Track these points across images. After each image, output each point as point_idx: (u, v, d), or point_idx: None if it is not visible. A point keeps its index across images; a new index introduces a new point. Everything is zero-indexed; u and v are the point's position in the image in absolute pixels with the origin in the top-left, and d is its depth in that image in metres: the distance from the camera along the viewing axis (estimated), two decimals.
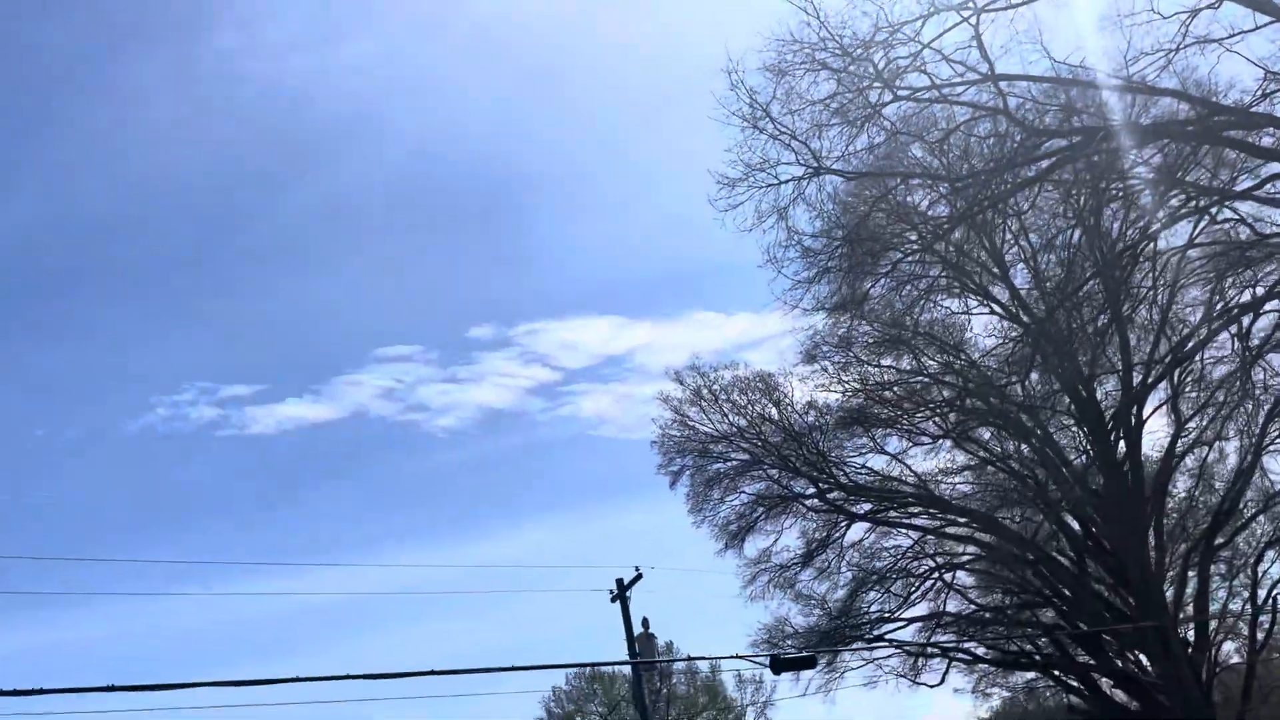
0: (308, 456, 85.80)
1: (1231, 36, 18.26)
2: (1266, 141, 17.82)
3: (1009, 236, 29.29)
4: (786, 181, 19.09)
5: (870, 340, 30.10)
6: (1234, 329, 26.45)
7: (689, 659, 46.45)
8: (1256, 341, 26.58)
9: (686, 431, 33.49)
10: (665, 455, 33.77)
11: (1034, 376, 29.49)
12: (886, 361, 31.05)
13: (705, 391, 33.10)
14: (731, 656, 24.25)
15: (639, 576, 34.05)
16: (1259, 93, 18.42)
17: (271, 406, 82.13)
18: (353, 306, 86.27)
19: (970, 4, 17.68)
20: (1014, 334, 29.79)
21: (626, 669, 43.17)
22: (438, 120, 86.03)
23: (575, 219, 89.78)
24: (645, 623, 33.74)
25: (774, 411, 32.47)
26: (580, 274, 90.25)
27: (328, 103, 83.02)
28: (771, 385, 32.64)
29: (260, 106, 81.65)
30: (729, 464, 33.14)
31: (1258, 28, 18.10)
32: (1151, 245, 24.49)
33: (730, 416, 32.77)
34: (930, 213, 23.94)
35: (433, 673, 14.32)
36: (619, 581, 34.25)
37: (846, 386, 30.95)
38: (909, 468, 32.36)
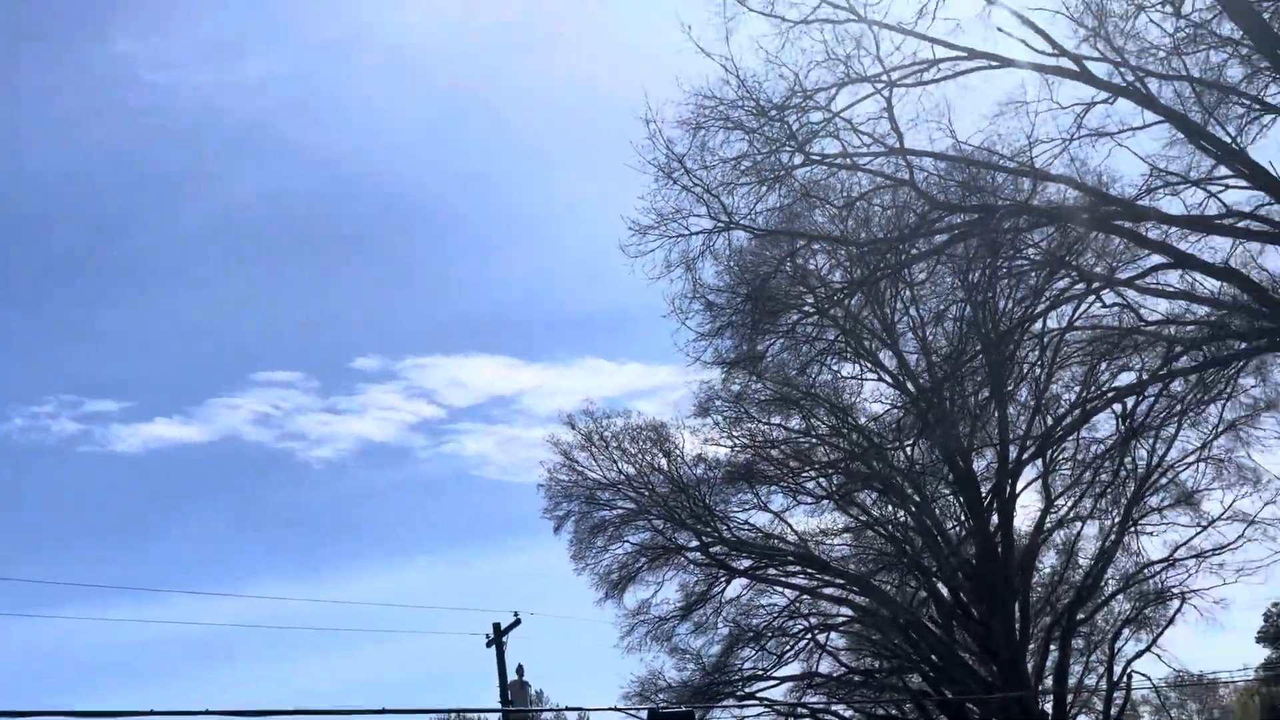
0: (174, 479, 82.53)
1: (1122, 131, 19.35)
2: (1152, 234, 18.81)
3: (901, 305, 30.18)
4: (697, 233, 19.36)
5: (763, 398, 30.53)
6: (1117, 408, 27.65)
7: (563, 709, 45.69)
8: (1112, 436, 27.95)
9: (574, 477, 33.32)
10: (551, 499, 33.52)
11: (917, 445, 30.26)
12: (777, 420, 31.54)
13: (597, 437, 33.04)
14: (607, 709, 23.89)
15: (517, 622, 33.55)
16: (1144, 187, 19.51)
17: (139, 425, 78.88)
18: (234, 326, 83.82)
19: (883, 77, 18.30)
20: (901, 402, 30.60)
21: (497, 716, 42.10)
22: (342, 142, 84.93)
23: (475, 254, 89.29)
24: (520, 670, 33.18)
25: (664, 462, 32.59)
26: (475, 311, 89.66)
27: (228, 116, 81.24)
28: (663, 435, 32.80)
29: (157, 114, 79.38)
30: (615, 512, 33.05)
31: (1146, 125, 19.22)
32: (1040, 324, 25.51)
33: (620, 464, 32.75)
34: (830, 277, 24.54)
35: (298, 712, 13.77)
36: (495, 626, 33.65)
37: (736, 442, 31.33)
38: (791, 526, 32.79)
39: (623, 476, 32.76)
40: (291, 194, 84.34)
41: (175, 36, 77.58)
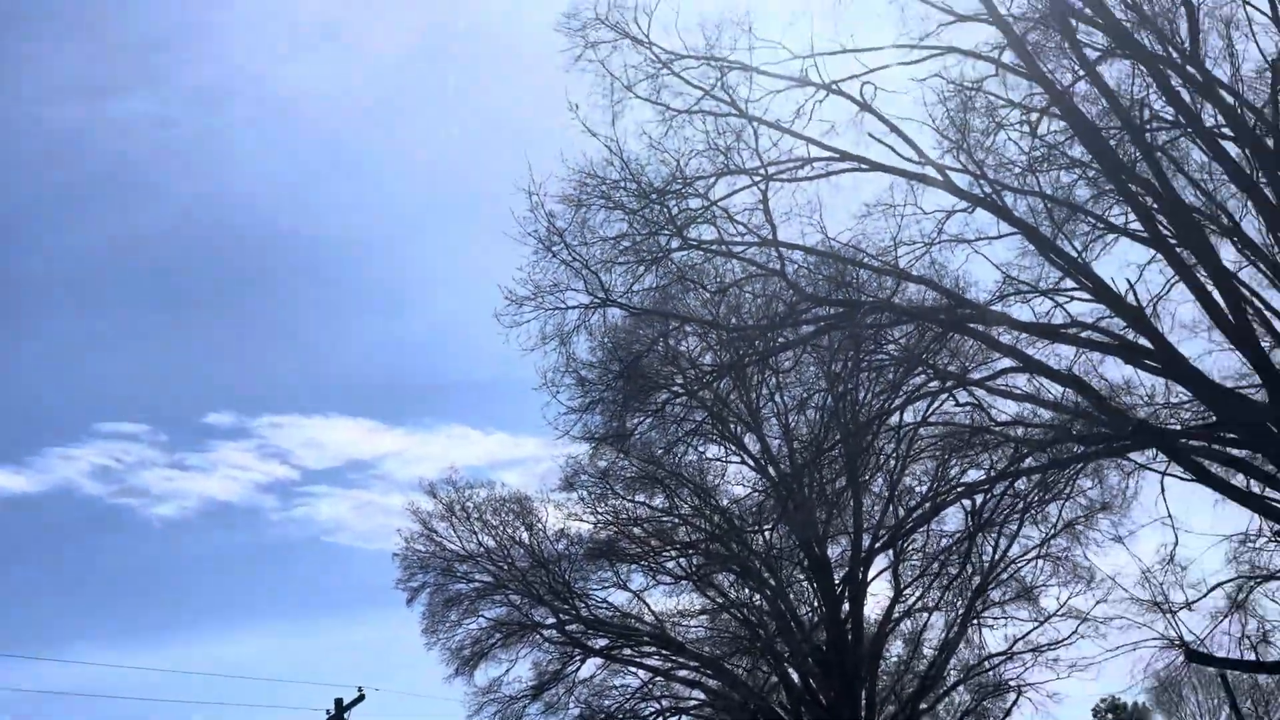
0: None
1: (979, 239, 20.52)
2: (1004, 338, 19.88)
3: (767, 392, 30.92)
4: (573, 308, 19.53)
5: (629, 475, 30.68)
6: (965, 503, 28.72)
7: None
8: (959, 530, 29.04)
9: (432, 547, 32.67)
10: (406, 570, 32.76)
11: (776, 529, 30.77)
12: (642, 498, 31.68)
13: (458, 508, 32.56)
14: None
15: (360, 698, 32.34)
16: (998, 293, 20.65)
17: None
18: (79, 373, 79.80)
19: (760, 171, 19.04)
20: (762, 486, 31.16)
21: None
22: (209, 190, 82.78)
23: (342, 313, 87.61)
24: None
25: (525, 536, 32.31)
26: (339, 371, 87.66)
27: (87, 155, 78.25)
28: (526, 508, 32.55)
29: (16, 150, 75.91)
30: (472, 585, 32.48)
31: (1001, 235, 20.44)
32: (897, 417, 26.43)
33: (480, 536, 32.30)
34: (701, 359, 25.00)
35: None
36: (338, 702, 32.37)
37: (600, 518, 31.29)
38: (649, 607, 32.77)
39: (482, 549, 32.30)
40: (152, 239, 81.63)
41: (38, 71, 74.80)
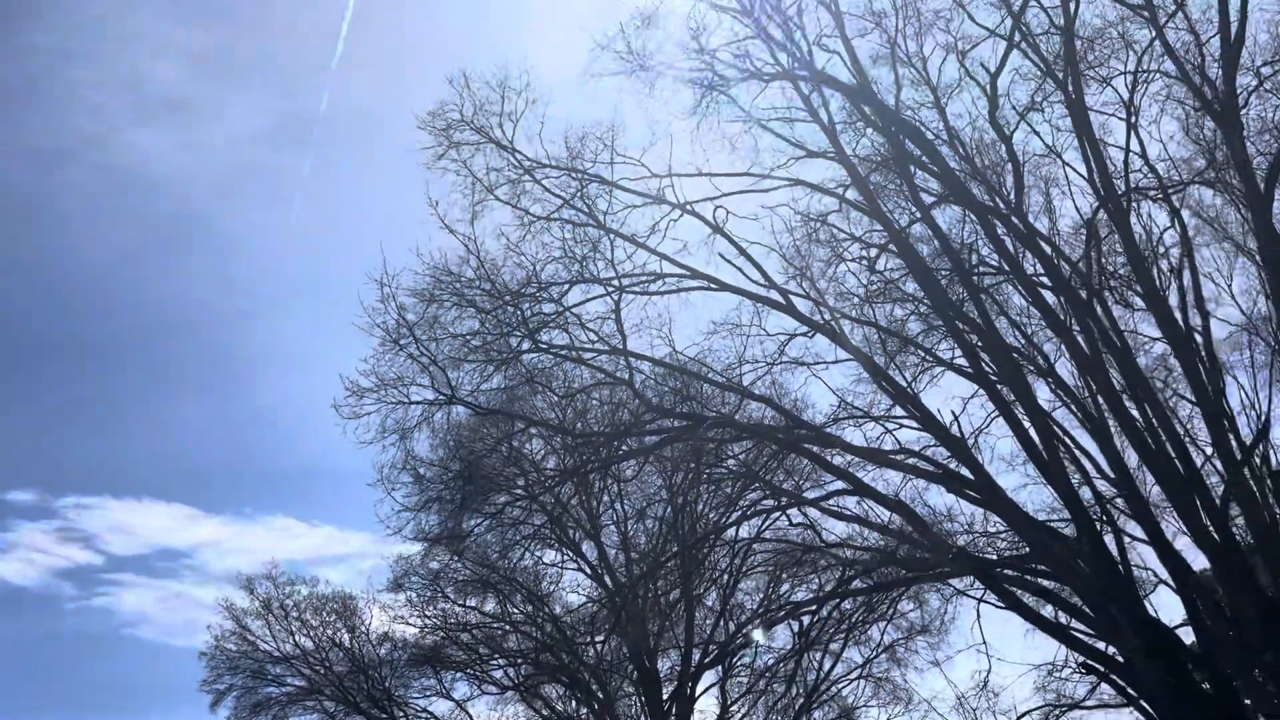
0: None
1: (818, 363, 21.33)
2: (836, 460, 20.57)
3: (608, 499, 30.96)
4: (417, 404, 19.28)
5: (461, 578, 29.97)
6: (793, 622, 29.13)
7: None
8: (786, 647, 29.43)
9: (245, 647, 30.94)
10: (213, 670, 30.91)
11: (608, 640, 30.45)
12: (473, 602, 30.92)
13: (276, 605, 31.05)
14: None
15: None
16: (832, 416, 21.43)
17: None
18: None
19: (614, 282, 19.44)
20: (597, 594, 30.90)
21: None
22: (36, 255, 78.32)
23: (169, 392, 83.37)
24: None
25: (346, 638, 30.99)
26: (157, 452, 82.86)
27: None
28: (350, 609, 31.29)
29: None
30: (284, 689, 30.82)
31: (838, 361, 21.32)
32: (733, 532, 26.82)
33: (298, 636, 30.84)
34: (544, 463, 24.91)
35: None
36: None
37: (428, 621, 30.35)
38: (471, 718, 31.70)
39: (299, 651, 30.82)
40: None
41: None
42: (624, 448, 21.99)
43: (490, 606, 31.23)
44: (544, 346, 19.61)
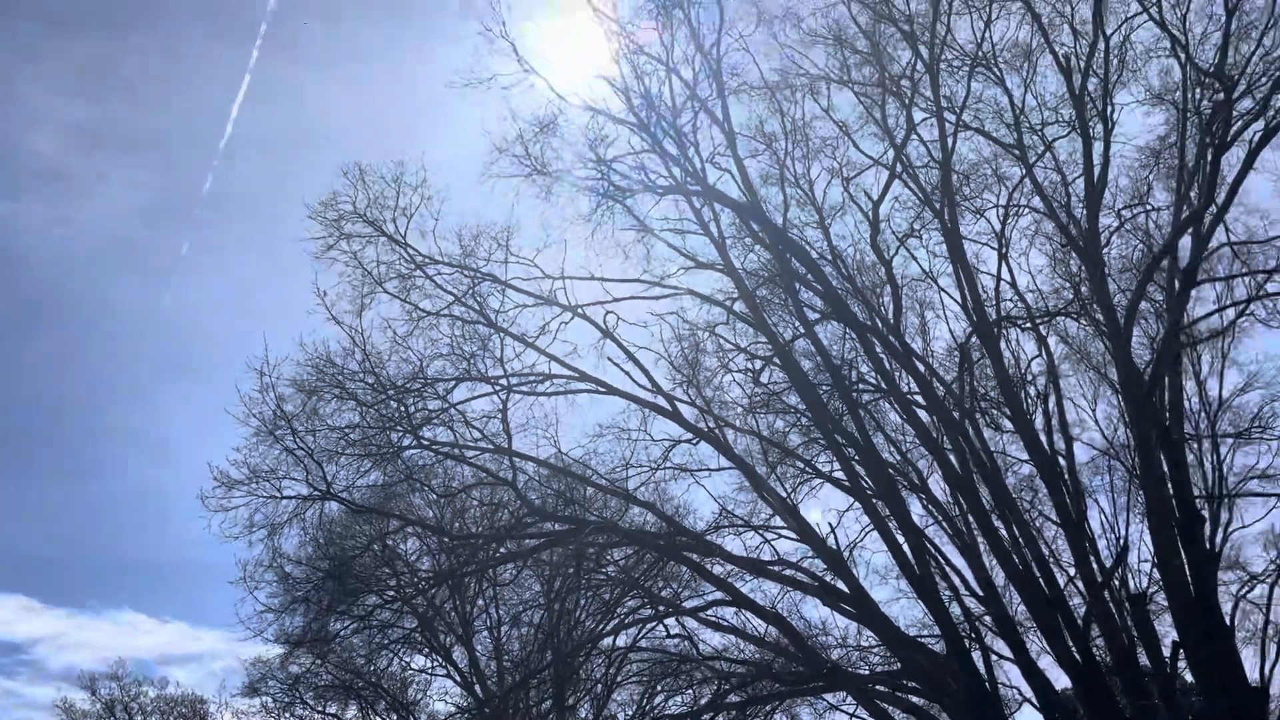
0: None
1: (701, 470, 21.46)
2: (716, 569, 20.57)
3: (483, 604, 30.17)
4: (290, 498, 18.61)
5: (323, 683, 28.63)
6: None
7: None
8: None
9: None
10: None
11: None
12: (334, 709, 29.49)
13: (121, 709, 29.05)
14: None
15: None
16: (714, 524, 21.50)
17: None
18: None
19: (502, 381, 19.33)
20: (467, 703, 29.84)
21: None
22: None
23: (16, 476, 78.51)
24: None
25: None
26: None
27: None
28: (201, 713, 29.50)
29: None
30: None
31: (720, 469, 21.50)
32: (611, 640, 26.36)
33: None
34: (418, 564, 24.23)
35: None
36: None
37: None
38: None
39: None
40: None
41: None
42: (503, 550, 21.59)
43: (351, 715, 29.88)
44: (427, 443, 19.27)
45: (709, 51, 21.65)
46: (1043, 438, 20.57)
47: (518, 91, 20.88)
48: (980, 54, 21.44)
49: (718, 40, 21.65)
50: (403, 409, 18.83)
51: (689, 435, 20.84)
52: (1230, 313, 21.91)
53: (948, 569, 21.45)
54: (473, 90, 20.61)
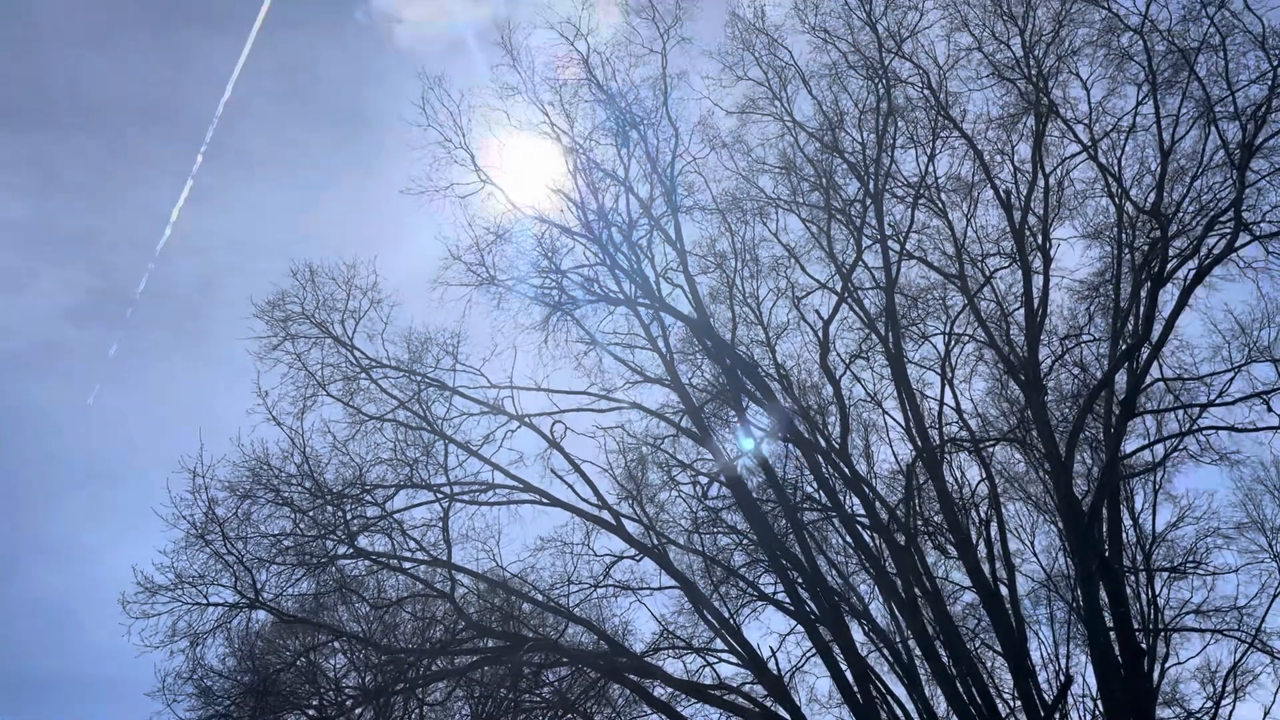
0: None
1: (643, 589, 21.03)
2: (657, 691, 19.96)
3: None
4: (216, 605, 17.73)
5: None
6: None
7: None
8: None
9: None
10: None
11: None
12: None
13: None
14: None
15: None
16: (654, 645, 20.97)
17: None
18: None
19: (445, 489, 18.89)
20: None
21: None
22: None
23: None
24: None
25: None
26: None
27: None
28: None
29: None
30: None
31: (664, 588, 21.09)
32: None
33: None
34: (345, 679, 23.19)
35: None
36: None
37: None
38: None
39: None
40: None
41: None
42: (435, 666, 20.78)
43: None
44: (364, 552, 18.64)
45: (663, 171, 22.13)
46: (985, 566, 20.55)
47: (474, 200, 21.10)
48: (924, 186, 22.15)
49: (671, 161, 22.19)
50: (340, 515, 18.27)
51: (632, 551, 20.50)
52: (1162, 447, 22.35)
53: (889, 698, 21.10)
54: (428, 198, 20.77)
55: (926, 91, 22.08)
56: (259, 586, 17.74)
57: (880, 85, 21.87)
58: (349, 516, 18.33)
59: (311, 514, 18.49)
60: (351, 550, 18.41)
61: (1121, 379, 20.71)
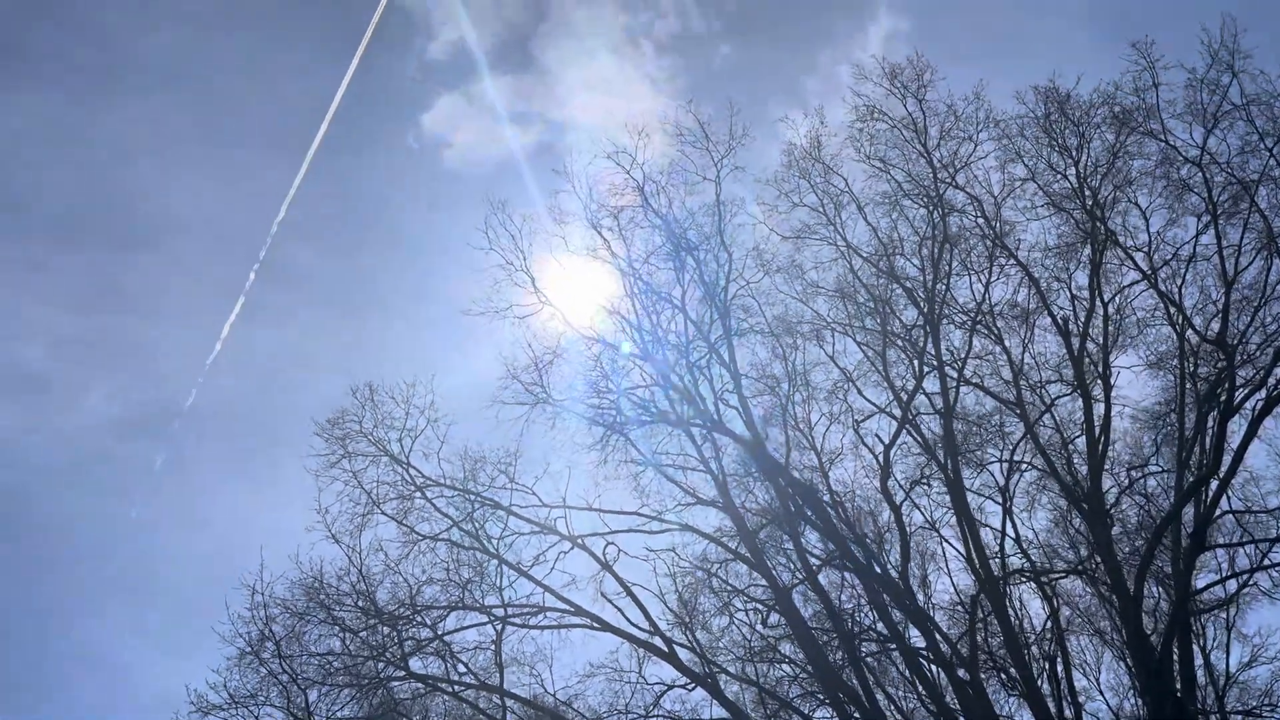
0: None
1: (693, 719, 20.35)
2: None
3: None
4: None
5: None
6: None
7: None
8: None
9: None
10: None
11: None
12: None
13: None
14: None
15: None
16: None
17: None
18: None
19: (497, 611, 18.61)
20: None
21: None
22: None
23: None
24: None
25: None
26: None
27: None
28: None
29: None
30: None
31: None
32: None
33: None
34: None
35: None
36: None
37: None
38: None
39: None
40: None
41: None
42: None
43: None
44: (415, 674, 18.28)
45: (717, 294, 22.26)
46: (1050, 703, 19.78)
47: (532, 320, 21.32)
48: (980, 313, 22.11)
49: (726, 285, 22.32)
50: (393, 636, 17.99)
51: (684, 680, 19.94)
52: (1234, 583, 21.64)
53: None
54: (488, 319, 21.03)
55: (981, 220, 22.25)
56: (310, 707, 17.42)
57: (935, 213, 22.06)
58: (401, 638, 18.04)
59: (363, 634, 18.24)
60: (404, 673, 18.07)
61: (1189, 511, 20.21)
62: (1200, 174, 20.16)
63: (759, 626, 21.04)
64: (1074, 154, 21.63)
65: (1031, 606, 22.38)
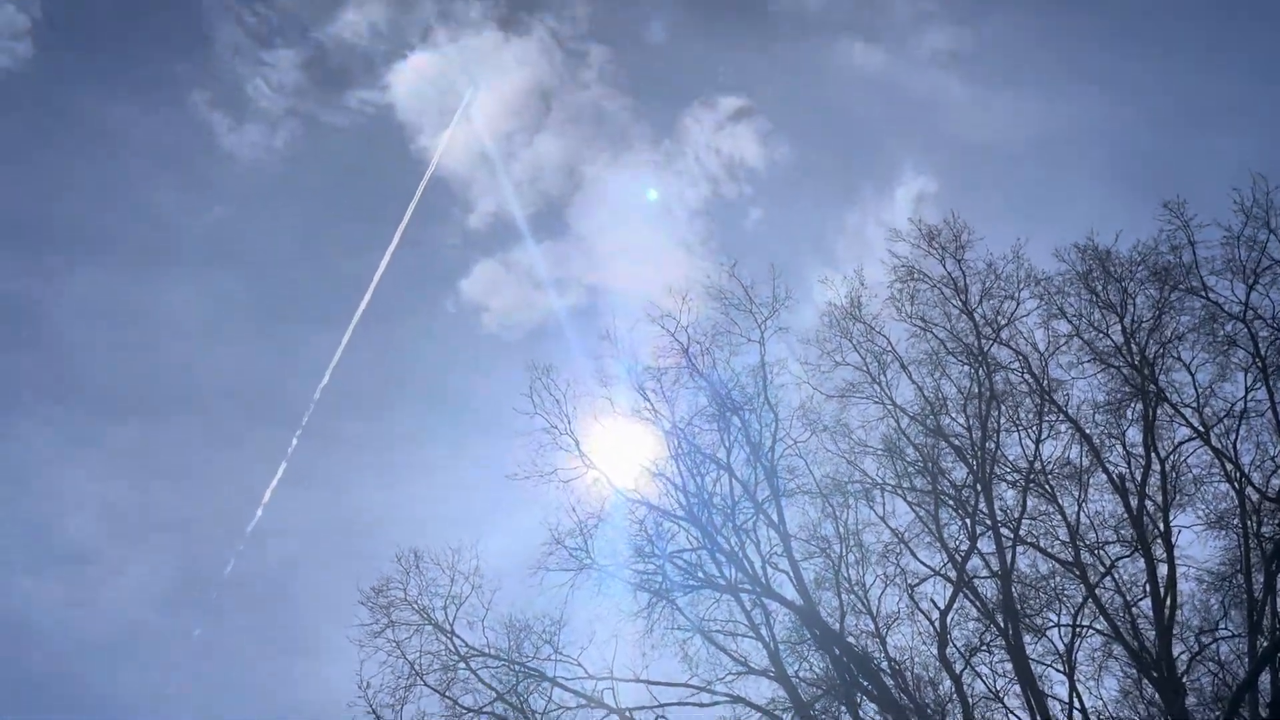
0: None
1: None
2: None
3: None
4: None
5: None
6: None
7: None
8: None
9: None
10: None
11: None
12: None
13: None
14: None
15: None
16: None
17: None
18: None
19: None
20: None
21: None
22: None
23: None
24: None
25: None
26: None
27: None
28: None
29: None
30: None
31: None
32: None
33: None
34: None
35: None
36: None
37: None
38: None
39: None
40: None
41: None
42: None
43: None
44: None
45: (764, 455, 22.02)
46: None
47: (577, 484, 21.16)
48: (1033, 471, 21.68)
49: (772, 445, 22.10)
50: None
51: None
52: None
53: None
54: (532, 483, 20.90)
55: (1028, 376, 22.08)
56: None
57: (981, 370, 21.94)
58: None
59: None
60: None
61: (1264, 678, 19.24)
62: (1245, 329, 20.04)
63: None
64: (1118, 309, 21.60)
65: None
